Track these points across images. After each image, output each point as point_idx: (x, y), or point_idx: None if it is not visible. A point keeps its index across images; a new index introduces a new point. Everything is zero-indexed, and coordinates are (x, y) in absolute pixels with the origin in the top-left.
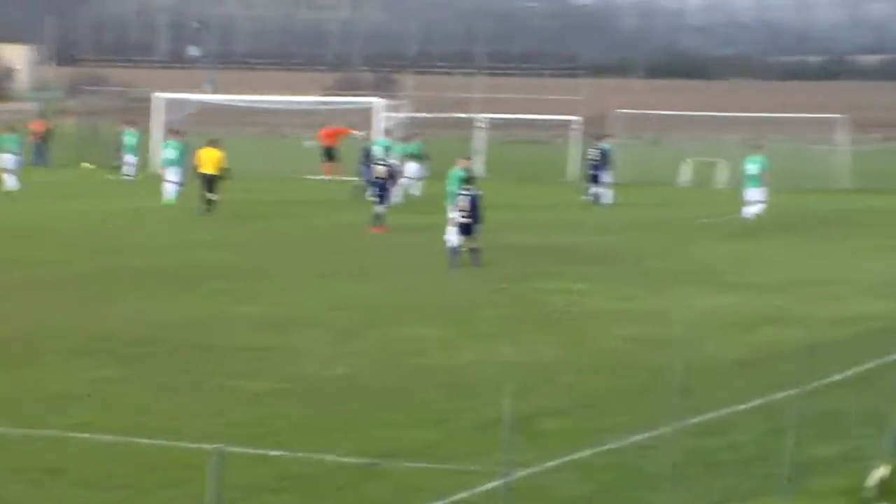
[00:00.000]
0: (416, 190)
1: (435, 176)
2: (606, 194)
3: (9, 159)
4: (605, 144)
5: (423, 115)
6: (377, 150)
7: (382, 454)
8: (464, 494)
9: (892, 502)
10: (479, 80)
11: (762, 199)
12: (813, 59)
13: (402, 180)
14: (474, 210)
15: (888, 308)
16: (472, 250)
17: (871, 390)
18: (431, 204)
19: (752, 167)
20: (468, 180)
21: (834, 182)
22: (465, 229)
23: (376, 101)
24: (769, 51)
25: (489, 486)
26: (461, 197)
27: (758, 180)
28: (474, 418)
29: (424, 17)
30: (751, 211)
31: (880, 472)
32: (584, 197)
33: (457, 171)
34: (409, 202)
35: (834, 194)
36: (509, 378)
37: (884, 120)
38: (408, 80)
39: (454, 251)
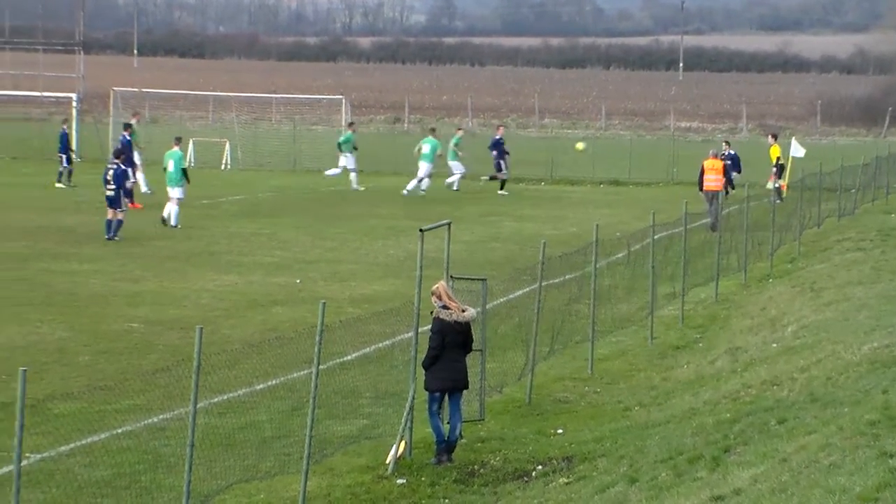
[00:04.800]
0: None
1: None
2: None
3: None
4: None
5: None
6: None
7: None
8: None
9: (408, 478)
10: None
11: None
12: (311, 39)
13: None
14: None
15: (398, 287)
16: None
17: (384, 369)
18: None
19: (426, 147)
20: (117, 154)
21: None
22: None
23: None
24: (266, 30)
25: (0, 471)
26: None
27: (430, 158)
28: None
29: None
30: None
31: (397, 449)
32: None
33: None
34: None
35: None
36: (16, 361)
37: (381, 101)
38: None
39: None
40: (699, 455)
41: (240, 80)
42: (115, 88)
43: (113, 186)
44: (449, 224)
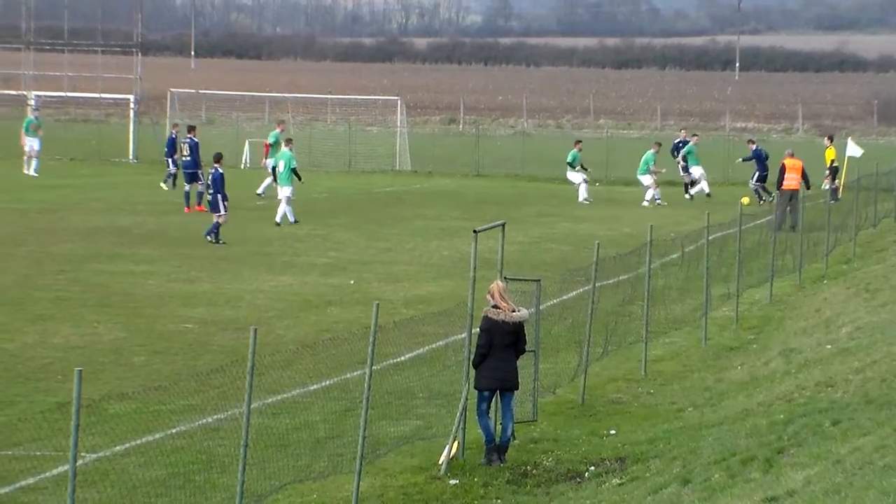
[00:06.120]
0: None
1: None
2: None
3: None
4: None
5: None
6: None
7: None
8: (30, 480)
9: (461, 479)
10: (27, 55)
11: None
12: (367, 40)
13: None
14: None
15: (452, 288)
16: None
17: (437, 370)
18: None
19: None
20: (217, 159)
21: (393, 163)
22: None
23: None
24: (323, 31)
25: (56, 471)
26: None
27: (697, 159)
28: (38, 402)
29: None
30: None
31: (450, 450)
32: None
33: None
34: None
35: (394, 176)
36: (72, 361)
37: (437, 102)
38: None
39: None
40: (752, 456)
41: (296, 81)
42: (172, 89)
43: (212, 191)
44: (503, 225)
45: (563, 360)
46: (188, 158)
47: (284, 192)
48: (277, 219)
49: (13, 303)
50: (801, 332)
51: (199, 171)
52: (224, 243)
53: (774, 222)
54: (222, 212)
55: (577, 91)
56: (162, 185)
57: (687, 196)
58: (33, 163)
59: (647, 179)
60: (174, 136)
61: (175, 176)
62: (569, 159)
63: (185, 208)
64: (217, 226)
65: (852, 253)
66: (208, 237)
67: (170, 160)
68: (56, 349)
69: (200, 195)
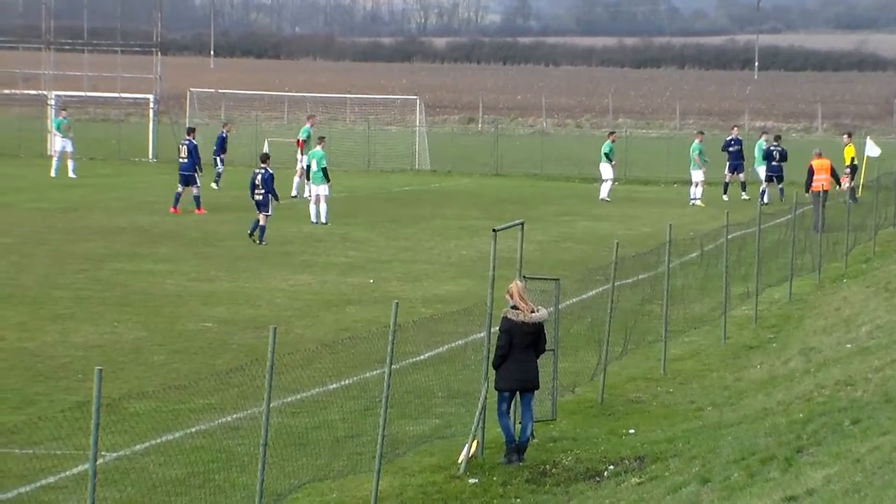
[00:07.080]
0: None
1: None
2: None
3: None
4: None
5: None
6: None
7: None
8: (51, 479)
9: (480, 478)
10: (47, 55)
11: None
12: (386, 40)
13: None
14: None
15: (471, 287)
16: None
17: (457, 369)
18: None
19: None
20: (264, 159)
21: (412, 163)
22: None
23: None
24: (342, 31)
25: (76, 469)
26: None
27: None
28: (58, 401)
29: None
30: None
31: (469, 449)
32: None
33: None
34: None
35: (413, 175)
36: (92, 360)
37: (455, 101)
38: None
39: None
40: (772, 455)
41: (315, 81)
42: (191, 89)
43: (262, 191)
44: (522, 224)
45: (583, 359)
46: (185, 161)
47: (321, 190)
48: (323, 219)
49: (34, 302)
50: (821, 331)
51: (196, 175)
52: (257, 242)
53: (813, 223)
54: (270, 212)
55: (596, 90)
56: (213, 185)
57: (744, 196)
58: (69, 163)
59: (697, 175)
60: (224, 134)
61: (220, 175)
62: (605, 150)
63: (172, 208)
64: (263, 228)
65: (872, 252)
66: (261, 242)
67: (218, 159)
68: (76, 348)
69: (198, 198)
